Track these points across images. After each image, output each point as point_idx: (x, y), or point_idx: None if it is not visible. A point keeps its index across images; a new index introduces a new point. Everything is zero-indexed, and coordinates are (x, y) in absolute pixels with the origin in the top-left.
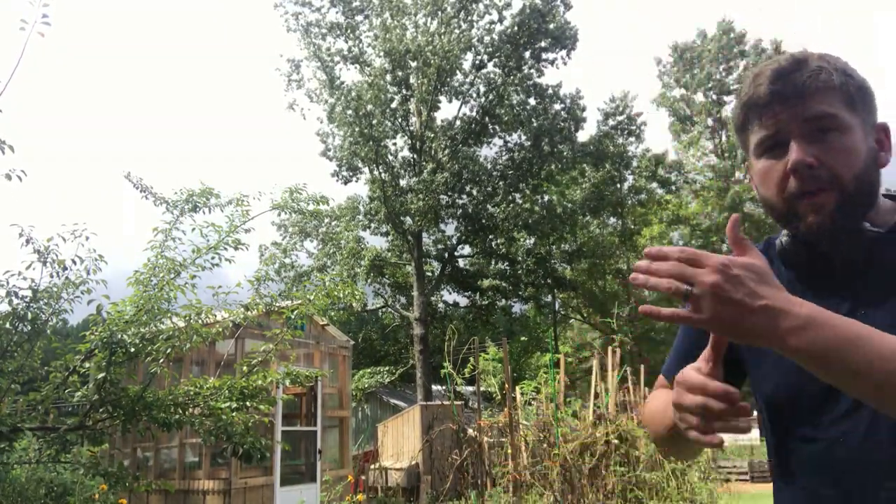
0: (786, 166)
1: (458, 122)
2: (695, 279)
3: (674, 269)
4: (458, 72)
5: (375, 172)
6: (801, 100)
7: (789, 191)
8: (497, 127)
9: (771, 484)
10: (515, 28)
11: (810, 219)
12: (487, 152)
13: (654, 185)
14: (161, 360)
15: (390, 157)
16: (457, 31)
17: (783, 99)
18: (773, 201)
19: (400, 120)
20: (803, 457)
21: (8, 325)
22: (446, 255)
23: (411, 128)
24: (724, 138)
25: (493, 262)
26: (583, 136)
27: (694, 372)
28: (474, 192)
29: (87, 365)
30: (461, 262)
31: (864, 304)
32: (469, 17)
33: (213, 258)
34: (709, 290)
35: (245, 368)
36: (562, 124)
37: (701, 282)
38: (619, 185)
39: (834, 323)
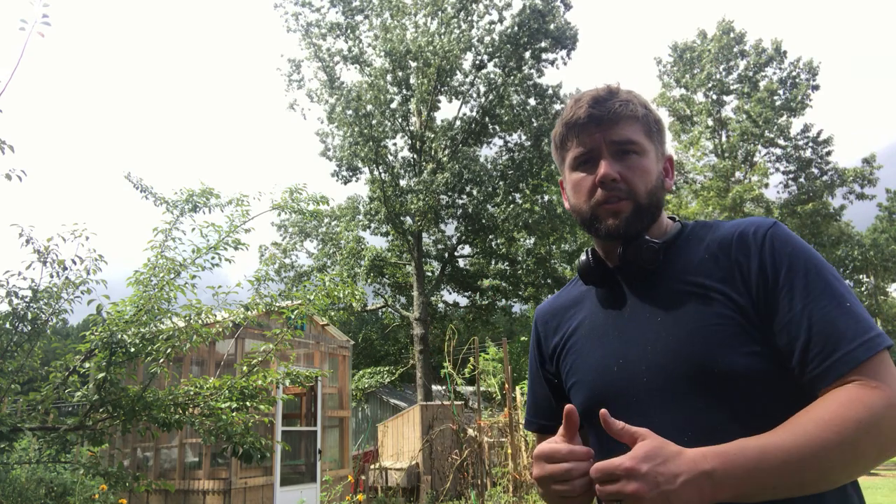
0: (595, 179)
1: (458, 123)
2: (620, 494)
3: (601, 493)
4: (458, 72)
5: (375, 172)
6: (611, 124)
7: (595, 199)
8: (497, 127)
9: None
10: (515, 28)
11: (609, 222)
12: (487, 152)
13: None
14: (161, 360)
15: (390, 157)
16: (457, 31)
17: (598, 121)
18: (581, 208)
19: (400, 120)
20: None
21: (8, 325)
22: (446, 255)
23: (411, 128)
24: (724, 138)
25: (493, 262)
26: None
27: (555, 444)
28: (474, 193)
29: (87, 365)
30: (461, 262)
31: (650, 309)
32: (469, 18)
33: (213, 258)
34: (635, 497)
35: (245, 368)
36: None
37: (625, 494)
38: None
39: (735, 456)
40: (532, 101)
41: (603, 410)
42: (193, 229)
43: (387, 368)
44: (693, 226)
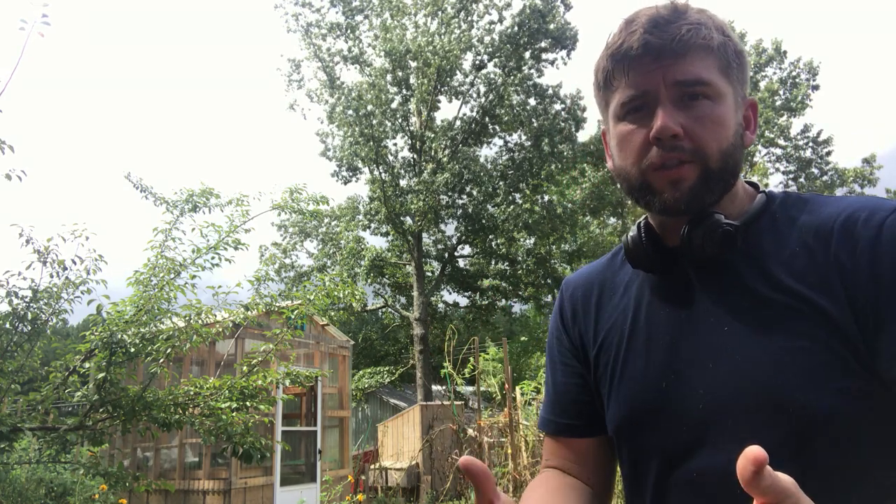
0: (648, 133)
1: (458, 123)
2: None
3: None
4: (458, 72)
5: (375, 172)
6: (675, 57)
7: (649, 161)
8: (497, 127)
9: None
10: (515, 28)
11: (667, 194)
12: (487, 152)
13: None
14: (161, 360)
15: (390, 157)
16: (457, 31)
17: (657, 53)
18: (628, 172)
19: (400, 120)
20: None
21: (8, 325)
22: (446, 255)
23: (411, 128)
24: None
25: (493, 263)
26: (583, 136)
27: None
28: (474, 193)
29: (87, 365)
30: (461, 262)
31: (719, 314)
32: (469, 18)
33: (212, 258)
34: None
35: (245, 368)
36: (562, 124)
37: None
38: (619, 186)
39: None
40: (532, 101)
41: (742, 464)
42: (193, 229)
43: (387, 368)
44: (783, 199)
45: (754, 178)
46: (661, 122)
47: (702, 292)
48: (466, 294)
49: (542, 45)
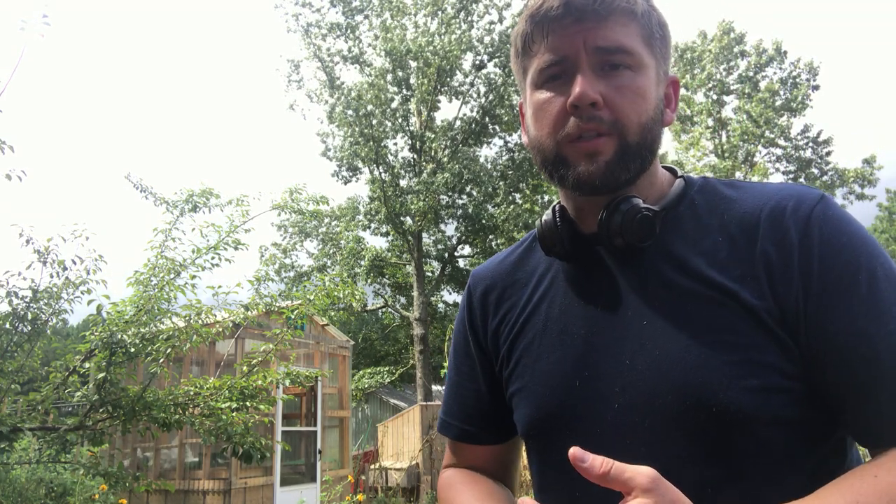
0: (566, 102)
1: (458, 123)
2: None
3: None
4: (458, 72)
5: (375, 172)
6: (598, 20)
7: (565, 132)
8: (497, 127)
9: None
10: None
11: (581, 167)
12: (487, 152)
13: None
14: (161, 360)
15: (390, 158)
16: (457, 31)
17: (579, 14)
18: (543, 143)
19: (400, 120)
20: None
21: (8, 326)
22: (446, 255)
23: (411, 128)
24: (724, 138)
25: None
26: None
27: None
28: (474, 193)
29: (87, 365)
30: (461, 263)
31: (637, 307)
32: (469, 18)
33: (212, 258)
34: None
35: (245, 368)
36: None
37: None
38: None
39: None
40: None
41: (574, 450)
42: (193, 229)
43: (387, 369)
44: (702, 185)
45: (754, 178)
46: (580, 89)
47: (619, 283)
48: None
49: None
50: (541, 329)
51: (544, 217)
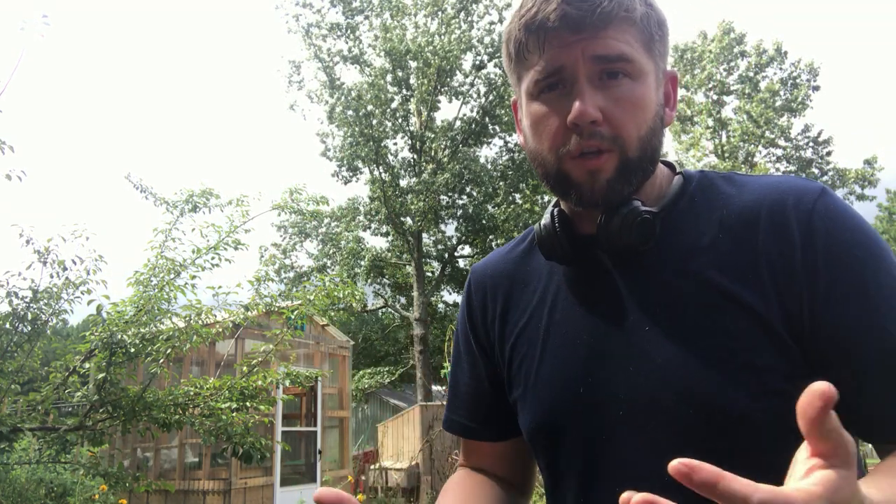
0: (565, 118)
1: (458, 123)
2: None
3: None
4: (458, 72)
5: (375, 173)
6: (595, 30)
7: (567, 150)
8: (497, 127)
9: None
10: None
11: (585, 187)
12: (487, 153)
13: None
14: (161, 361)
15: (390, 158)
16: (457, 31)
17: (576, 26)
18: (545, 158)
19: (400, 120)
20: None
21: (8, 326)
22: (446, 255)
23: (411, 128)
24: (724, 138)
25: None
26: None
27: None
28: (474, 193)
29: (87, 365)
30: (461, 263)
31: (639, 312)
32: (469, 18)
33: (212, 258)
34: None
35: (245, 369)
36: None
37: None
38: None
39: None
40: None
41: (808, 400)
42: (193, 229)
43: (387, 369)
44: (700, 181)
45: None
46: (580, 107)
47: (620, 287)
48: None
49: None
50: (543, 334)
51: (543, 221)
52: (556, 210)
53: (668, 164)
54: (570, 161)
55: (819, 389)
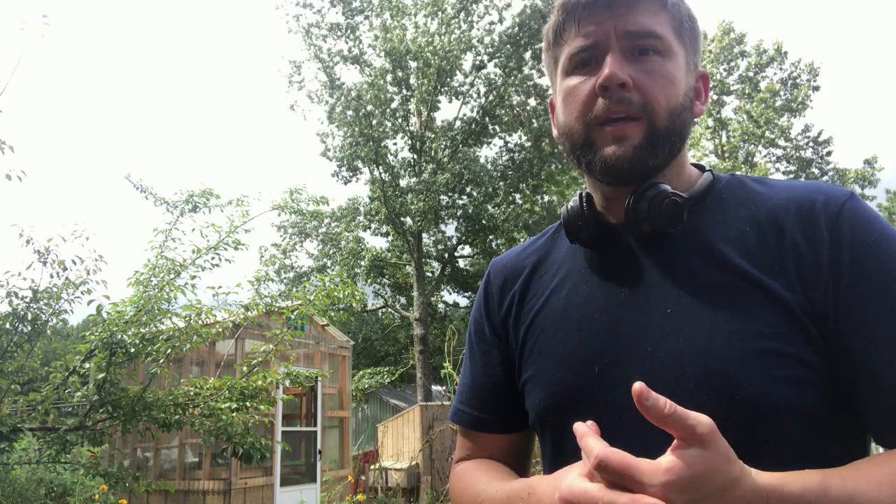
0: (595, 83)
1: (458, 123)
2: None
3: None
4: (458, 72)
5: (375, 173)
6: (628, 8)
7: (594, 114)
8: (497, 127)
9: None
10: (516, 28)
11: (609, 150)
12: (487, 153)
13: None
14: (161, 361)
15: (390, 158)
16: (457, 31)
17: (609, 3)
18: (572, 127)
19: (400, 120)
20: None
21: (8, 326)
22: (446, 255)
23: (411, 128)
24: (724, 138)
25: None
26: None
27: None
28: (474, 193)
29: (87, 365)
30: (461, 263)
31: (662, 295)
32: (469, 18)
33: (212, 258)
34: None
35: (245, 369)
36: None
37: None
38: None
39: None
40: (532, 102)
41: (638, 386)
42: (193, 230)
43: (387, 369)
44: (729, 180)
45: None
46: (610, 69)
47: (644, 270)
48: (466, 294)
49: (543, 45)
50: (560, 314)
51: (570, 204)
52: (584, 193)
53: (699, 166)
54: (597, 127)
55: (637, 392)
